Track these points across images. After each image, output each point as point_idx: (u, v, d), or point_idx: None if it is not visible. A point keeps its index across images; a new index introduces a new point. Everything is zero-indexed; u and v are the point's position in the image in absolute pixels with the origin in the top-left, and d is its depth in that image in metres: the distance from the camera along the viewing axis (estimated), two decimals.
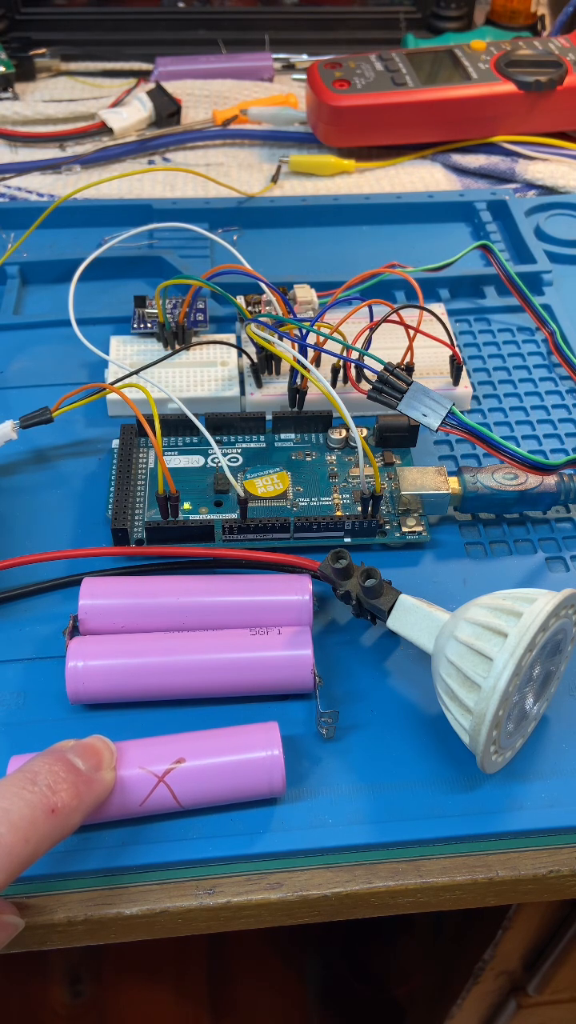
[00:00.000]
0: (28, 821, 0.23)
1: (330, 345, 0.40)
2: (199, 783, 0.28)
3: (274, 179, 0.55)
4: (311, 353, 0.41)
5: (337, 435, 0.38)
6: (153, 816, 0.29)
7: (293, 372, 0.39)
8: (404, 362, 0.40)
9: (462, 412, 0.35)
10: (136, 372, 0.39)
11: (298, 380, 0.39)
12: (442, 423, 0.33)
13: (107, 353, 0.42)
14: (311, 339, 0.39)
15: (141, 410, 0.35)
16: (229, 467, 0.37)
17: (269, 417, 0.39)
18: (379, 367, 0.33)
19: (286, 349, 0.38)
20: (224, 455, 0.38)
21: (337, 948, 0.79)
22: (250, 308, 0.43)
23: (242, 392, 0.41)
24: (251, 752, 0.28)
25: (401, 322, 0.38)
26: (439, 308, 0.44)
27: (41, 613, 0.34)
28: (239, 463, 0.38)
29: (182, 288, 0.46)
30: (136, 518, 0.36)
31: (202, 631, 0.32)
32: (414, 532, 0.36)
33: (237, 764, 0.28)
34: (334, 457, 0.38)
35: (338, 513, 0.36)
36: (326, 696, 0.32)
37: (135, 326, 0.43)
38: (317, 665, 0.31)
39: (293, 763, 0.30)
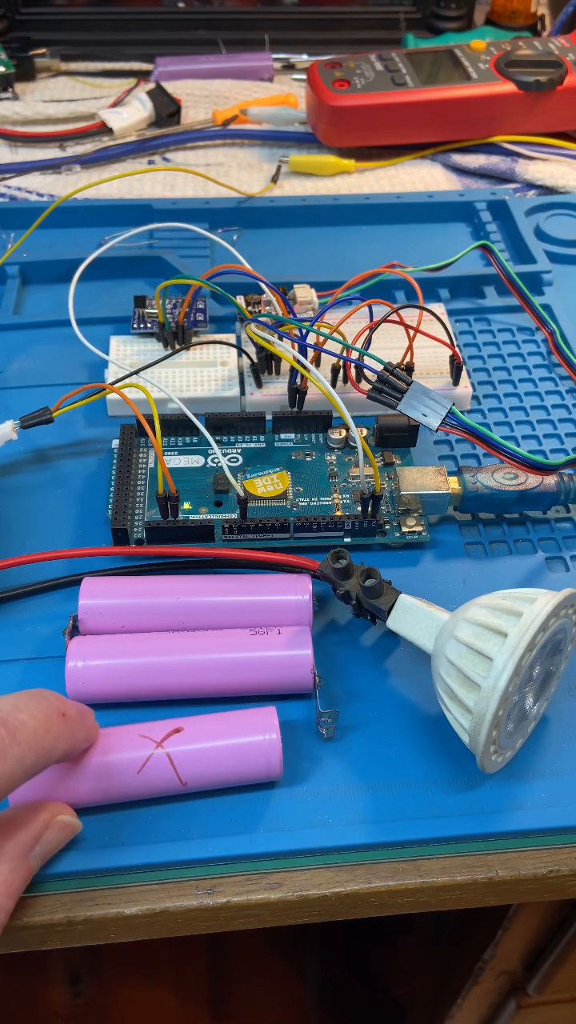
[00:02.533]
0: (45, 715, 0.25)
1: (330, 345, 0.40)
2: (197, 754, 0.28)
3: (274, 179, 0.55)
4: (311, 353, 0.41)
5: (337, 435, 0.38)
6: (153, 815, 0.29)
7: (293, 372, 0.39)
8: (404, 362, 0.40)
9: (462, 412, 0.35)
10: (136, 372, 0.39)
11: (298, 380, 0.39)
12: (442, 423, 0.33)
13: (107, 353, 0.42)
14: (311, 339, 0.39)
15: (141, 410, 0.35)
16: (229, 467, 0.37)
17: (269, 417, 0.39)
18: (379, 367, 0.33)
19: (286, 349, 0.38)
20: (224, 455, 0.38)
21: (337, 948, 0.79)
22: (250, 308, 0.43)
23: (242, 392, 0.41)
24: (250, 732, 0.29)
25: (401, 322, 0.38)
26: (439, 308, 0.44)
27: (41, 613, 0.34)
28: (239, 463, 0.38)
29: (182, 288, 0.46)
30: (136, 518, 0.36)
31: (202, 631, 0.32)
32: (414, 532, 0.36)
33: (236, 743, 0.28)
34: (334, 457, 0.38)
35: (338, 513, 0.36)
36: (326, 696, 0.32)
37: (135, 326, 0.43)
38: (317, 665, 0.31)
39: (293, 762, 0.30)
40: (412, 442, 0.39)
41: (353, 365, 0.39)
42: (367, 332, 0.39)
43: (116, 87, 0.63)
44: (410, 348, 0.39)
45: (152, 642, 0.31)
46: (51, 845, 0.27)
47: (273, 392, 0.41)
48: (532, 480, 0.36)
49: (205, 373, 0.42)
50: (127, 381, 0.38)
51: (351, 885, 0.28)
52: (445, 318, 0.41)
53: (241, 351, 0.41)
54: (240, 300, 0.41)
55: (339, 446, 0.38)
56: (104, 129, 0.58)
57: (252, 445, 0.39)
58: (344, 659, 0.33)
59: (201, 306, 0.44)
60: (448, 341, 0.40)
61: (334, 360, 0.40)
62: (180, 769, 0.28)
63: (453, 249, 0.49)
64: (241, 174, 0.56)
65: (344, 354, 0.36)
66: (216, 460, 0.38)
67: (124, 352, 0.43)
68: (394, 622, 0.31)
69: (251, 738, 0.29)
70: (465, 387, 0.42)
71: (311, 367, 0.35)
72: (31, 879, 0.26)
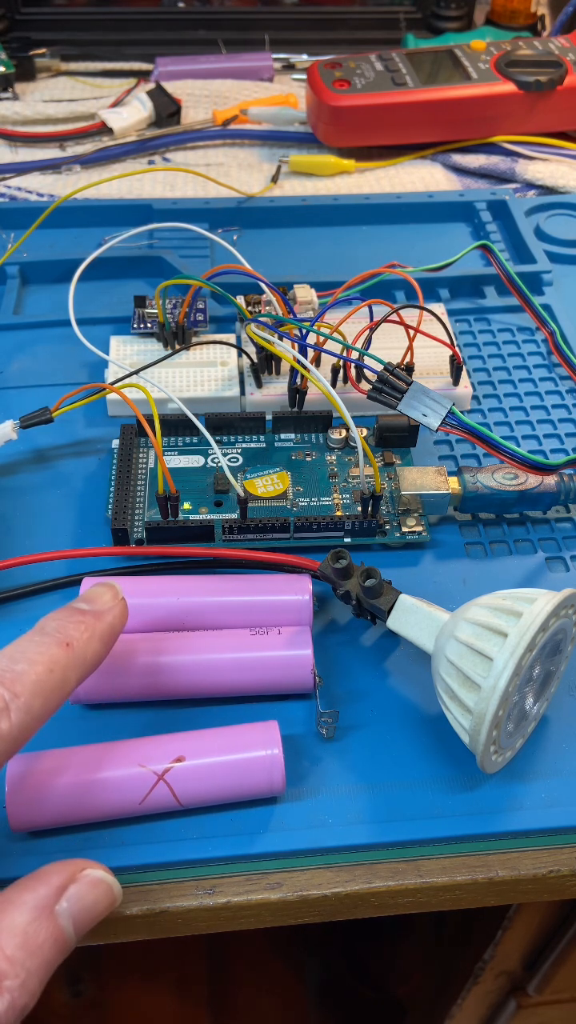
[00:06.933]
0: (46, 656, 0.24)
1: (330, 345, 0.40)
2: (199, 782, 0.28)
3: (274, 179, 0.55)
4: (311, 353, 0.41)
5: (337, 435, 0.38)
6: (153, 816, 0.29)
7: (293, 372, 0.39)
8: (404, 362, 0.40)
9: (462, 412, 0.35)
10: (136, 372, 0.39)
11: (298, 380, 0.39)
12: (442, 423, 0.33)
13: (107, 353, 0.42)
14: (311, 339, 0.39)
15: (141, 410, 0.35)
16: (229, 467, 0.37)
17: (269, 417, 0.39)
18: (379, 367, 0.33)
19: (286, 349, 0.38)
20: (224, 455, 0.38)
21: (337, 948, 0.79)
22: (250, 308, 0.43)
23: (242, 392, 0.41)
24: (251, 751, 0.28)
25: (401, 322, 0.38)
26: (439, 308, 0.44)
27: (41, 613, 0.33)
28: (239, 463, 0.38)
29: (182, 288, 0.46)
30: (136, 518, 0.36)
31: (202, 631, 0.32)
32: (414, 532, 0.36)
33: (237, 763, 0.28)
34: (334, 457, 0.38)
35: (338, 513, 0.36)
36: (326, 696, 0.32)
37: (135, 326, 0.43)
38: (317, 665, 0.31)
39: (293, 763, 0.30)
40: (412, 442, 0.39)
41: (353, 365, 0.39)
42: (367, 332, 0.39)
43: (116, 87, 0.63)
44: (410, 348, 0.39)
45: (152, 642, 0.31)
46: (80, 900, 0.24)
47: (273, 392, 0.41)
48: (532, 480, 0.36)
49: (205, 373, 0.42)
50: (127, 381, 0.38)
51: (351, 885, 0.28)
52: (445, 318, 0.41)
53: (241, 351, 0.41)
54: (240, 300, 0.41)
55: (339, 446, 0.38)
56: (104, 129, 0.58)
57: (252, 445, 0.39)
58: (344, 659, 0.33)
59: (201, 306, 0.44)
60: (448, 341, 0.40)
61: (334, 360, 0.40)
62: (182, 797, 0.28)
63: (453, 249, 0.49)
64: (241, 174, 0.56)
65: (344, 354, 0.36)
66: (216, 460, 0.38)
67: (124, 352, 0.43)
68: (394, 622, 0.31)
69: (254, 763, 0.28)
70: (465, 387, 0.42)
71: (311, 367, 0.35)
72: (65, 943, 0.23)
